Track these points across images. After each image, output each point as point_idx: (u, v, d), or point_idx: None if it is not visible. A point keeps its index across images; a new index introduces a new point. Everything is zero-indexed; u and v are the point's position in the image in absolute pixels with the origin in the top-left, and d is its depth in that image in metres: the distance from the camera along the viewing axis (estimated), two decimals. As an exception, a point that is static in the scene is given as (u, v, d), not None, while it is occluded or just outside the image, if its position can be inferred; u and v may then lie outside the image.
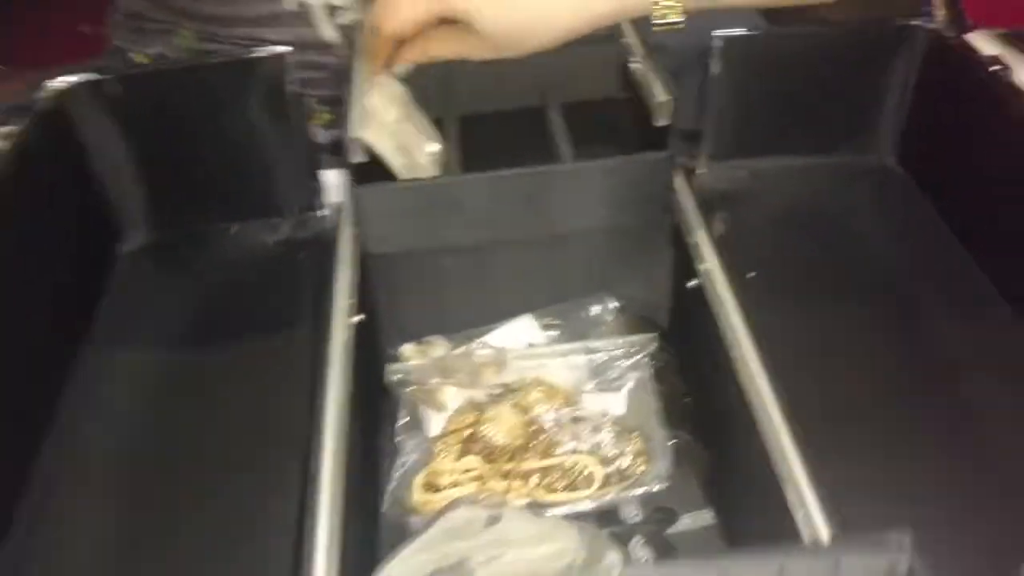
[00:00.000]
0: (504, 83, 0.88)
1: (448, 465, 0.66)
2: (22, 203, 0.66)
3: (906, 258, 0.70)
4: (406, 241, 0.72)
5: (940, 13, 0.71)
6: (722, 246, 0.68)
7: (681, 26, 0.58)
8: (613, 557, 0.52)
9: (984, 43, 0.69)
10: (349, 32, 0.97)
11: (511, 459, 0.66)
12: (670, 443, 0.67)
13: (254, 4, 0.95)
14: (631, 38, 0.82)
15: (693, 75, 0.89)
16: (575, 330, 0.76)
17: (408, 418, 0.72)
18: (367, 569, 0.52)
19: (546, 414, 0.68)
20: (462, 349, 0.74)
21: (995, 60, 0.67)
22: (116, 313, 0.73)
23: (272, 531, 0.56)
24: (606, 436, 0.66)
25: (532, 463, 0.65)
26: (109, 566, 0.56)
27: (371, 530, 0.65)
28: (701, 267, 0.67)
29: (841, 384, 0.62)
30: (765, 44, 0.73)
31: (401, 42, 0.63)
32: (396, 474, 0.68)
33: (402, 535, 0.64)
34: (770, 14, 0.98)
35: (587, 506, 0.64)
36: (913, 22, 0.72)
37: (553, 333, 0.76)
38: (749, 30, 0.72)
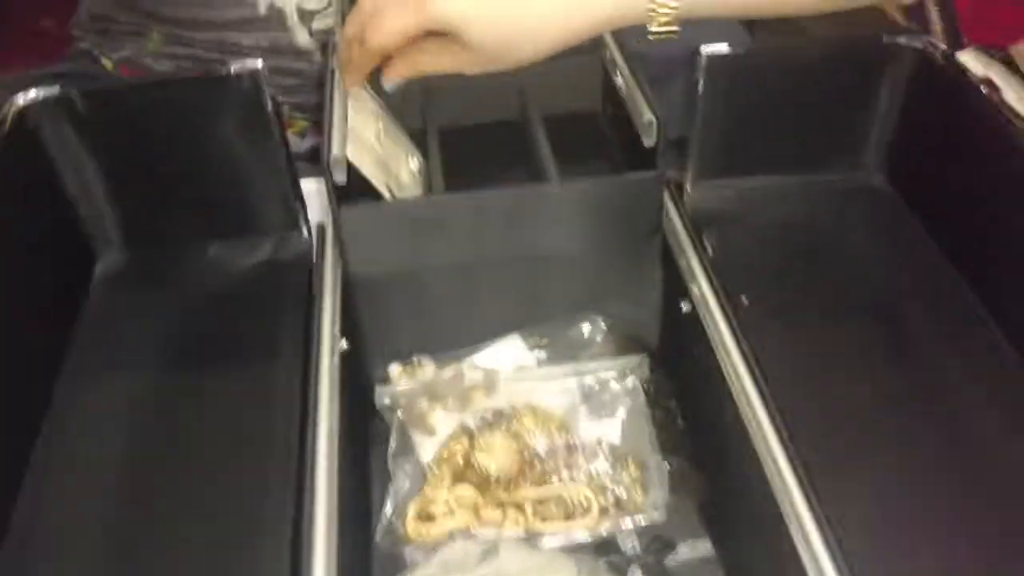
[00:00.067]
0: (482, 95, 0.87)
1: (442, 494, 0.65)
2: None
3: (896, 278, 0.70)
4: (391, 262, 0.71)
5: (937, 28, 0.70)
6: (713, 267, 0.68)
7: (675, 36, 0.57)
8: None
9: (973, 62, 0.69)
10: (323, 38, 0.95)
11: (505, 488, 0.65)
12: (666, 469, 0.67)
13: (224, 8, 0.92)
14: (613, 51, 0.81)
15: (674, 84, 0.89)
16: (564, 350, 0.75)
17: (397, 443, 0.70)
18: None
19: (539, 442, 0.67)
20: (450, 369, 0.73)
21: (984, 79, 0.67)
22: (91, 338, 0.70)
23: (263, 570, 0.54)
24: (601, 464, 0.66)
25: (527, 492, 0.65)
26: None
27: (365, 561, 0.64)
28: (693, 288, 0.67)
29: (839, 403, 0.62)
30: (751, 62, 0.72)
31: (387, 56, 0.61)
32: (389, 502, 0.66)
33: (396, 566, 0.64)
34: (752, 25, 0.98)
35: (584, 536, 0.63)
36: (900, 40, 0.72)
37: (541, 354, 0.75)
38: (730, 43, 0.71)
